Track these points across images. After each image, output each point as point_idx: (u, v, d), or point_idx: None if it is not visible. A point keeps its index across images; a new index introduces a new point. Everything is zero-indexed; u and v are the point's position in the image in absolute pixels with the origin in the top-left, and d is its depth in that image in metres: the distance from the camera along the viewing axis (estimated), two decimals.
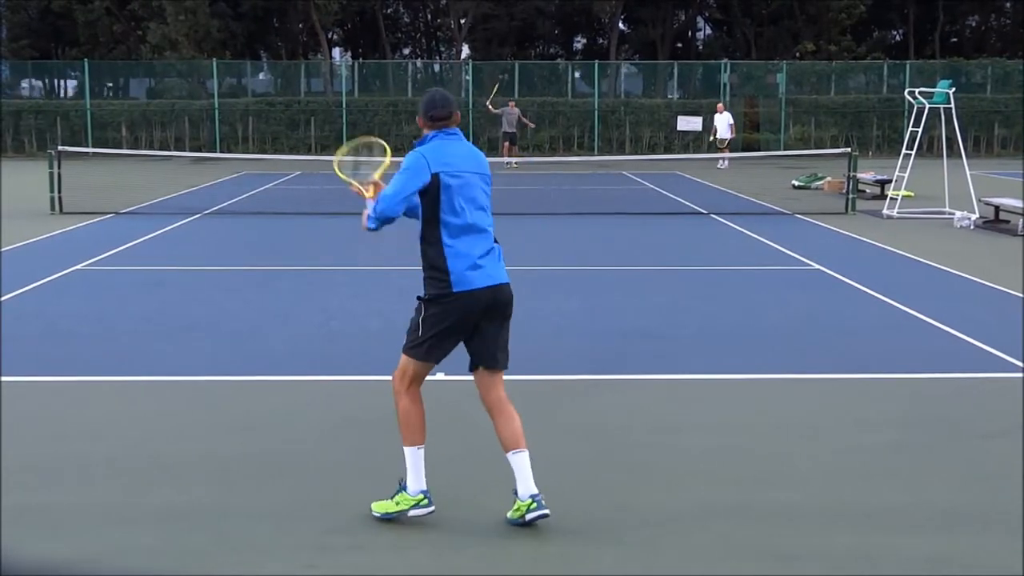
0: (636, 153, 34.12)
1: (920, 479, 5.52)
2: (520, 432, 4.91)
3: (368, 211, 5.06)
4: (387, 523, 4.89)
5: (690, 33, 53.84)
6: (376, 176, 5.31)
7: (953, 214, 16.90)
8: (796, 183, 23.68)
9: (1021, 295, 10.55)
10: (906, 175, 18.07)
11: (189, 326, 9.23)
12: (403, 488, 4.92)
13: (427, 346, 4.90)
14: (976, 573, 4.44)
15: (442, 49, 56.09)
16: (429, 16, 55.02)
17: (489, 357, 4.98)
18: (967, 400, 7.07)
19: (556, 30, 52.43)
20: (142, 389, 7.29)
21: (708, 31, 55.05)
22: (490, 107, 30.85)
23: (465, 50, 50.78)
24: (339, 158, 5.52)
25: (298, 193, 22.66)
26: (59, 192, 17.93)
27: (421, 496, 4.88)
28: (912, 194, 19.49)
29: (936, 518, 5.00)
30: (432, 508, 4.88)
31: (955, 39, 52.04)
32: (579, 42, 54.95)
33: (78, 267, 12.34)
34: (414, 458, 4.92)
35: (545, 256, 13.35)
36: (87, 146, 33.31)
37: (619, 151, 35.15)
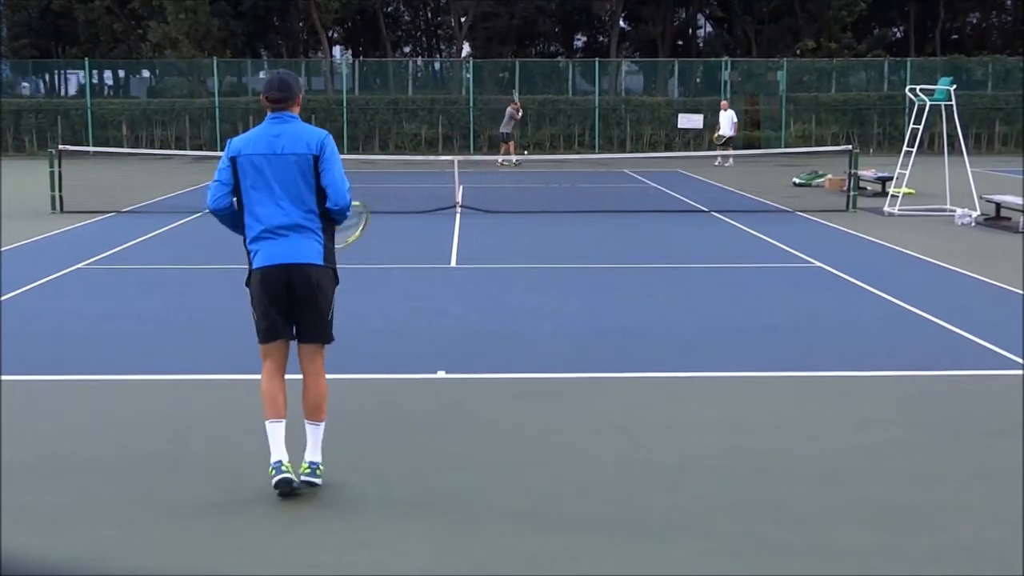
0: (637, 151, 34.10)
1: (922, 477, 5.52)
2: (319, 407, 5.26)
3: None
4: (389, 522, 4.88)
5: (691, 31, 53.82)
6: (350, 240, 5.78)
7: (954, 211, 16.89)
8: (797, 181, 23.67)
9: (1022, 292, 10.54)
10: (907, 172, 18.06)
11: (190, 325, 9.23)
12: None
13: (257, 325, 5.21)
14: (979, 572, 4.44)
15: (442, 47, 56.08)
16: (430, 14, 55.03)
17: (300, 331, 5.21)
18: (969, 398, 7.06)
19: (556, 28, 52.40)
20: (143, 388, 7.29)
21: (709, 29, 55.03)
22: (517, 104, 30.84)
23: (466, 48, 50.76)
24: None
25: None
26: (60, 191, 17.93)
27: (271, 468, 5.08)
28: (913, 191, 19.48)
29: (939, 516, 4.99)
30: (281, 476, 5.03)
31: (956, 36, 52.01)
32: (579, 40, 54.94)
33: (79, 266, 12.34)
34: (268, 431, 5.16)
35: (546, 254, 13.35)
36: (88, 145, 33.31)
37: (620, 149, 35.13)
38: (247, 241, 5.13)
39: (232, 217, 5.23)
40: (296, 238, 5.05)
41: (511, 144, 30.07)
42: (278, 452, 5.08)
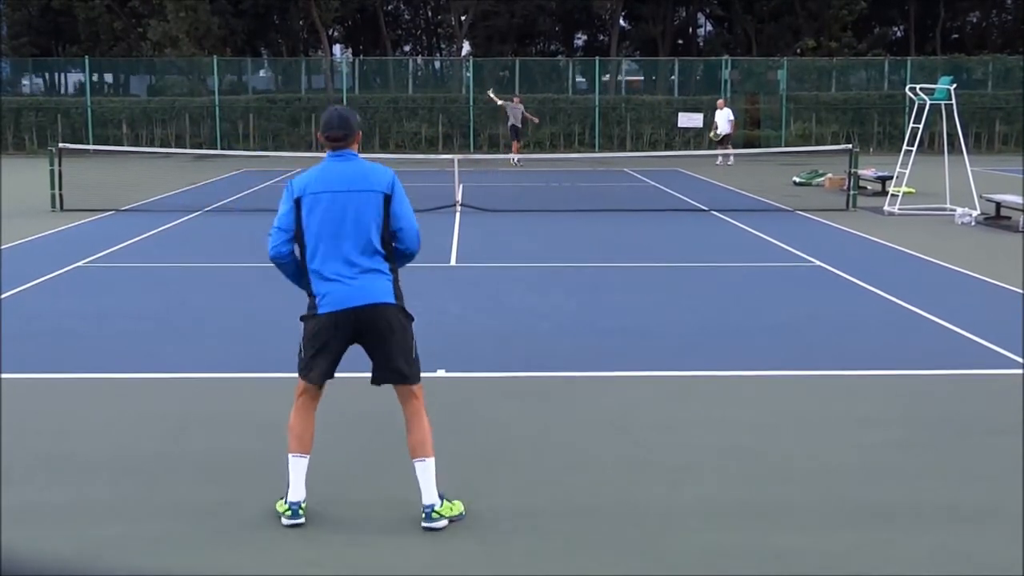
0: (637, 150, 34.10)
1: (922, 476, 5.52)
2: (423, 442, 4.94)
3: None
4: (390, 522, 4.88)
5: (691, 30, 53.84)
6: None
7: (954, 211, 16.89)
8: (797, 180, 23.66)
9: (1022, 291, 10.54)
10: (907, 172, 18.06)
11: (190, 324, 9.23)
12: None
13: (305, 365, 4.97)
14: (979, 572, 4.44)
15: (443, 46, 56.09)
16: (430, 13, 55.04)
17: (382, 373, 4.98)
18: (969, 397, 7.06)
19: (557, 27, 52.43)
20: (143, 387, 7.29)
21: (709, 28, 55.06)
22: (491, 95, 30.81)
23: (466, 47, 50.76)
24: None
25: None
26: (60, 189, 17.93)
27: (287, 507, 4.87)
28: (913, 191, 19.48)
29: (939, 515, 4.99)
30: (296, 521, 4.81)
31: (956, 35, 52.03)
32: (580, 39, 54.97)
33: (79, 264, 12.34)
34: (291, 465, 4.94)
35: (546, 253, 13.35)
36: (88, 143, 33.32)
37: (620, 148, 35.12)
38: (313, 283, 4.87)
39: (295, 266, 4.96)
40: (365, 279, 4.82)
41: (516, 142, 30.04)
42: (298, 492, 4.87)
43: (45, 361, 7.91)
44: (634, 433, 6.21)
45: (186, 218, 16.98)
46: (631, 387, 7.28)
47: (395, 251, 4.98)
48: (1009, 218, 16.34)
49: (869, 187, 20.99)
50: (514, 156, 28.06)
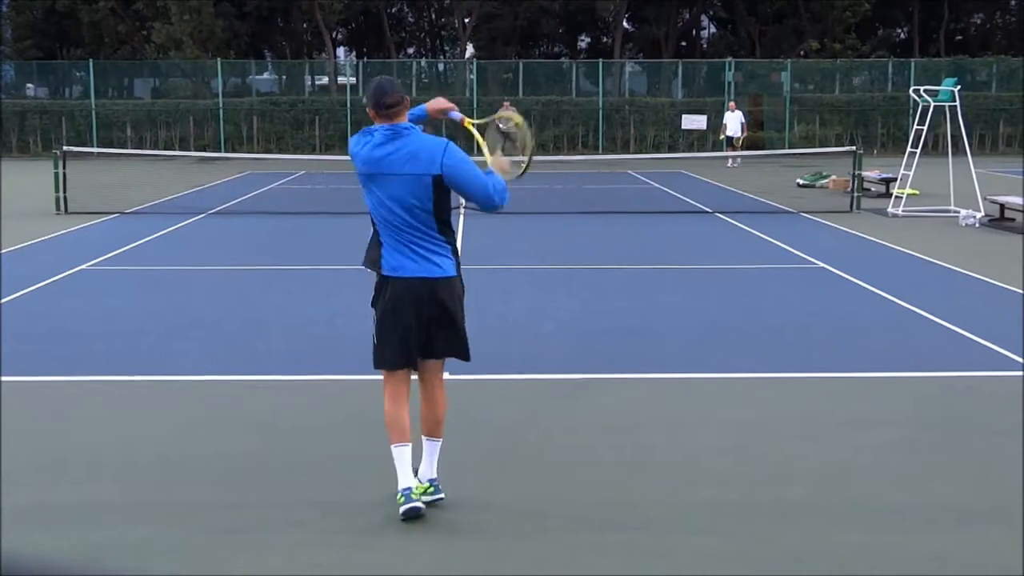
0: (640, 152, 34.10)
1: (926, 477, 5.51)
2: (440, 422, 5.08)
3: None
4: (392, 523, 4.88)
5: (694, 32, 53.83)
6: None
7: (958, 212, 16.87)
8: (801, 182, 23.65)
9: (1022, 292, 10.53)
10: (911, 173, 18.04)
11: (194, 326, 9.24)
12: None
13: (378, 350, 5.03)
14: (981, 572, 4.43)
15: (446, 48, 56.12)
16: (433, 15, 55.07)
17: (432, 344, 4.98)
18: (973, 398, 7.05)
19: (560, 29, 52.43)
20: (147, 388, 7.30)
21: (712, 30, 55.04)
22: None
23: (469, 49, 50.79)
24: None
25: (303, 192, 22.68)
26: (64, 192, 17.95)
27: (399, 495, 4.88)
28: (917, 192, 19.45)
29: (942, 517, 4.98)
30: (409, 506, 4.83)
31: (960, 37, 51.99)
32: (583, 41, 54.96)
33: (83, 267, 12.35)
34: (394, 455, 4.96)
35: (549, 255, 13.35)
36: (92, 146, 33.36)
37: (623, 150, 35.13)
38: (381, 246, 4.90)
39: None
40: (426, 257, 4.86)
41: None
42: (407, 478, 4.86)
43: (49, 363, 7.92)
44: (637, 434, 6.20)
45: (190, 220, 17.00)
46: (634, 388, 7.28)
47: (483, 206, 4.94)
48: (1013, 220, 16.31)
49: (873, 189, 20.97)
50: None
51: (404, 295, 4.82)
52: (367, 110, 4.98)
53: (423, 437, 5.07)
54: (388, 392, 5.03)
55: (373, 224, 4.97)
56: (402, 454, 4.92)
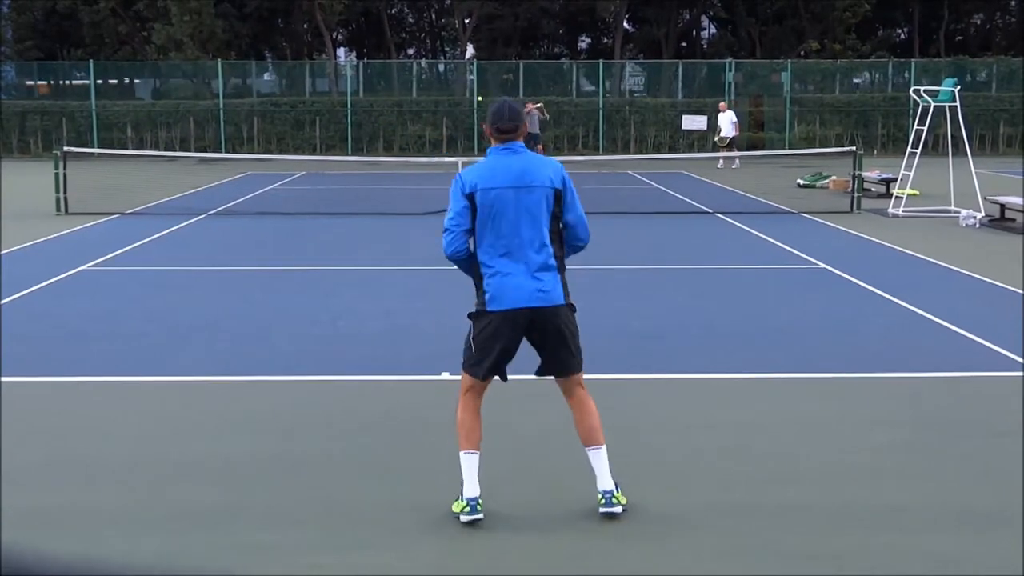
0: (641, 152, 34.10)
1: (928, 478, 5.52)
2: (596, 428, 5.01)
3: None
4: (393, 523, 4.90)
5: (695, 32, 53.86)
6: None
7: (958, 213, 16.88)
8: (801, 182, 23.66)
9: (1022, 293, 10.54)
10: (911, 174, 18.05)
11: (195, 326, 9.24)
12: (460, 491, 4.93)
13: (475, 362, 4.94)
14: (982, 572, 4.44)
15: (447, 49, 56.15)
16: (433, 16, 55.09)
17: (553, 367, 5.02)
18: (974, 399, 7.05)
19: (560, 30, 52.47)
20: (147, 389, 7.30)
21: (713, 30, 55.07)
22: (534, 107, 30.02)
23: (470, 50, 50.83)
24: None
25: (303, 193, 22.69)
26: (64, 193, 17.96)
27: (464, 503, 4.85)
28: (917, 193, 19.46)
29: (942, 517, 4.99)
30: (478, 516, 4.83)
31: (960, 37, 52.01)
32: (583, 41, 54.99)
33: (84, 267, 12.36)
34: (464, 463, 4.93)
35: None
36: (93, 147, 33.37)
37: (624, 150, 35.13)
38: (484, 279, 4.85)
39: (469, 261, 4.91)
40: (542, 278, 4.82)
41: (540, 147, 29.82)
42: (474, 487, 4.85)
43: (49, 364, 7.92)
44: (637, 434, 6.21)
45: (191, 221, 17.01)
46: (634, 388, 7.28)
47: (566, 244, 5.03)
48: (1013, 220, 16.32)
49: (873, 189, 20.98)
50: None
51: (516, 322, 4.84)
52: (484, 126, 5.03)
53: (586, 449, 4.99)
54: (470, 400, 5.01)
55: (476, 246, 4.90)
56: (472, 462, 4.91)
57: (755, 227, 16.02)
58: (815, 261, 12.80)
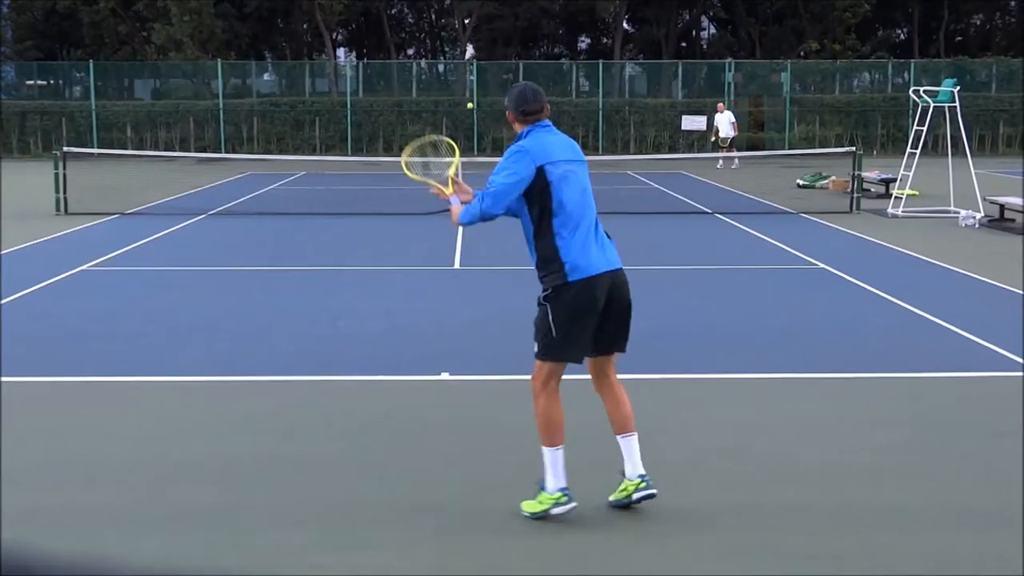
0: (641, 153, 34.12)
1: (928, 478, 5.52)
2: (630, 415, 5.04)
3: (457, 207, 5.10)
4: (393, 524, 4.90)
5: (694, 32, 53.86)
6: (451, 172, 5.28)
7: (958, 213, 16.88)
8: (801, 182, 23.67)
9: (1022, 293, 10.54)
10: (911, 174, 18.05)
11: (195, 326, 9.24)
12: (542, 488, 4.93)
13: (563, 344, 4.86)
14: (982, 573, 4.44)
15: (446, 49, 56.14)
16: (433, 16, 55.09)
17: (612, 341, 5.00)
18: (974, 399, 7.06)
19: (560, 30, 52.47)
20: (147, 389, 7.30)
21: (712, 30, 55.07)
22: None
23: (469, 50, 50.83)
24: (406, 159, 5.52)
25: (303, 193, 22.69)
26: (64, 193, 17.96)
27: (559, 494, 4.88)
28: (917, 193, 19.47)
29: (942, 517, 4.99)
30: (574, 504, 4.88)
31: (960, 38, 52.01)
32: (583, 42, 54.99)
33: (84, 268, 12.36)
34: (551, 458, 4.93)
35: None
36: (92, 147, 33.37)
37: (624, 151, 35.15)
38: (559, 252, 4.82)
39: (492, 219, 5.06)
40: (608, 248, 4.95)
41: None
42: (564, 477, 4.90)
43: (49, 364, 7.92)
44: (640, 434, 6.20)
45: (191, 221, 17.01)
46: (634, 389, 7.25)
47: None
48: (1013, 220, 16.32)
49: (873, 189, 20.98)
50: None
51: (599, 289, 4.84)
52: (507, 113, 5.05)
53: (619, 437, 5.02)
54: (554, 390, 4.96)
55: (542, 222, 4.90)
56: (561, 457, 4.93)
57: (755, 227, 16.02)
58: (814, 261, 12.80)
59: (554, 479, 4.90)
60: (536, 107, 4.99)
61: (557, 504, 4.88)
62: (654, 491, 4.93)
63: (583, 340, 4.88)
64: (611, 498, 5.00)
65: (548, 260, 4.87)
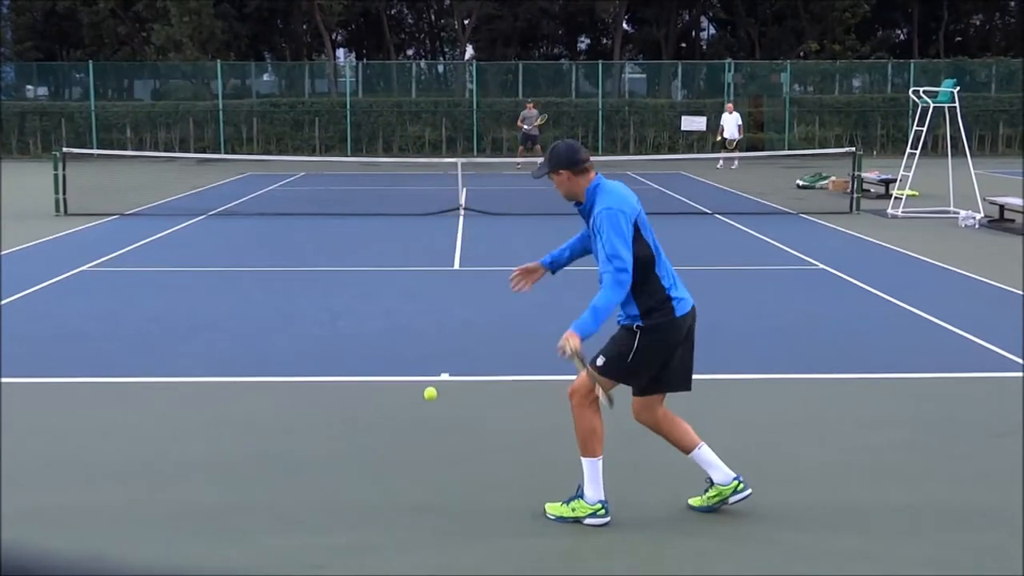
0: (640, 153, 34.10)
1: (926, 479, 5.52)
2: (690, 428, 5.10)
3: (576, 336, 5.05)
4: (393, 524, 4.89)
5: (694, 33, 53.85)
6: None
7: (958, 213, 16.88)
8: (801, 183, 23.67)
9: (1022, 293, 10.54)
10: (910, 174, 18.05)
11: (195, 327, 9.25)
12: (580, 495, 4.93)
13: (634, 371, 4.95)
14: (982, 573, 4.44)
15: (446, 50, 56.14)
16: (433, 17, 55.08)
17: (685, 379, 5.12)
18: (973, 400, 7.06)
19: (560, 30, 52.45)
20: (148, 390, 7.31)
21: (712, 31, 55.07)
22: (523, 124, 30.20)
23: (469, 51, 50.83)
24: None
25: (303, 194, 22.68)
26: (64, 194, 17.96)
27: (599, 506, 4.90)
28: (917, 193, 19.47)
29: (942, 517, 4.99)
30: (608, 519, 4.89)
31: (959, 38, 52.00)
32: (583, 42, 54.98)
33: (84, 268, 12.36)
34: (593, 469, 4.94)
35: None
36: (92, 147, 33.36)
37: (623, 151, 35.13)
38: (666, 291, 4.95)
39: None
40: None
41: (538, 147, 29.71)
42: (603, 490, 4.93)
43: (49, 364, 7.92)
44: (637, 435, 6.20)
45: (190, 222, 17.00)
46: None
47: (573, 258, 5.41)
48: (1013, 221, 16.32)
49: (872, 190, 20.98)
50: (518, 160, 28.01)
51: (689, 319, 5.02)
52: (560, 171, 5.02)
53: (693, 454, 5.05)
54: (595, 401, 5.00)
55: (646, 272, 4.97)
56: (600, 467, 4.95)
57: (754, 228, 16.02)
58: (814, 262, 12.80)
59: (594, 490, 4.91)
60: (587, 155, 5.07)
61: (595, 515, 4.89)
62: (749, 491, 4.99)
63: (652, 371, 4.97)
64: (694, 503, 5.02)
65: (656, 307, 4.93)
